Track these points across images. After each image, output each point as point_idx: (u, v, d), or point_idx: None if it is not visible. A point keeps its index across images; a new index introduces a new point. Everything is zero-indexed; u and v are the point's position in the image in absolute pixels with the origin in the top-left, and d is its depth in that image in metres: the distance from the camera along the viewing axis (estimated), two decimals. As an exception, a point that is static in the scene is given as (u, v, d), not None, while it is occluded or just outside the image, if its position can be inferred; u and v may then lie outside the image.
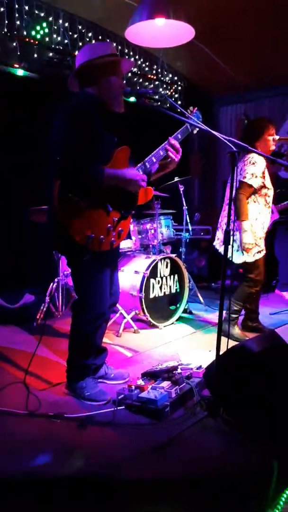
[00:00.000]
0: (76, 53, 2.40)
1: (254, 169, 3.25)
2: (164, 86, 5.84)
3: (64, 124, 2.16)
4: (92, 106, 2.28)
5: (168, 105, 5.85)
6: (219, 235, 3.60)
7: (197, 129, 2.50)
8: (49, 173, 2.20)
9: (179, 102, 6.02)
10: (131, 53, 5.18)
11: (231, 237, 2.18)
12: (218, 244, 3.60)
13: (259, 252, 3.41)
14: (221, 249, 3.56)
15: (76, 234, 2.19)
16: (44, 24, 4.28)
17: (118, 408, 2.29)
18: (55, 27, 4.39)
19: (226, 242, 2.17)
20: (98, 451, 1.96)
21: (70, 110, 2.20)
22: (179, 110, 2.41)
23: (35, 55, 4.31)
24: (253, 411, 2.04)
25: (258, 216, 3.37)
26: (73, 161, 2.12)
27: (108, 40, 4.81)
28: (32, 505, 1.63)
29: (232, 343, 2.27)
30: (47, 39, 4.33)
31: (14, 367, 2.88)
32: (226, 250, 2.18)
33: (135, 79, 5.38)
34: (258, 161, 3.27)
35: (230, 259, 3.45)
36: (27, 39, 4.18)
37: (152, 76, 5.58)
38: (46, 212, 2.43)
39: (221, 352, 2.17)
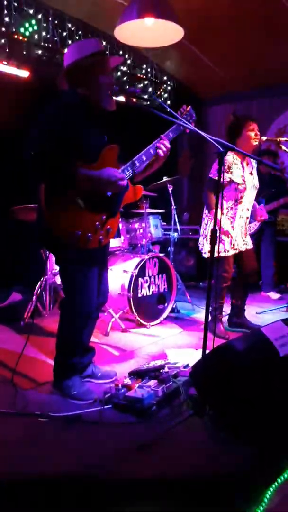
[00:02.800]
0: (65, 50, 2.39)
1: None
2: (153, 85, 5.84)
3: (41, 119, 2.17)
4: (79, 105, 2.28)
5: (157, 104, 5.85)
6: (202, 236, 3.68)
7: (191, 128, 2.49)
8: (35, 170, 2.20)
9: (168, 102, 6.04)
10: (121, 52, 5.17)
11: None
12: (202, 243, 3.66)
13: (230, 249, 3.47)
14: (204, 248, 3.62)
15: (63, 233, 2.20)
16: (33, 21, 4.25)
17: (105, 407, 2.29)
18: (44, 25, 4.37)
19: (212, 241, 2.18)
20: (83, 450, 1.96)
21: (52, 108, 2.21)
22: (168, 110, 2.41)
23: (24, 52, 4.28)
24: (239, 409, 2.06)
25: (226, 211, 3.46)
26: (41, 157, 2.11)
27: (97, 38, 4.79)
28: (15, 504, 1.62)
29: (218, 342, 2.28)
30: (36, 36, 4.31)
31: (1, 366, 2.87)
32: (213, 249, 2.19)
33: (124, 78, 5.38)
34: (225, 157, 3.32)
35: (205, 254, 3.58)
36: (15, 36, 4.15)
37: (141, 76, 5.58)
38: (34, 210, 2.42)
39: (207, 351, 2.18)
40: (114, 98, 2.39)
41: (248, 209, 3.57)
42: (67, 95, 2.36)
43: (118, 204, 2.43)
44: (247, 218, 3.60)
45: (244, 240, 3.57)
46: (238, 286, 3.75)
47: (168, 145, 2.45)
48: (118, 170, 2.33)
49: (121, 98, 2.46)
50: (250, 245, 3.60)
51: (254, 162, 3.61)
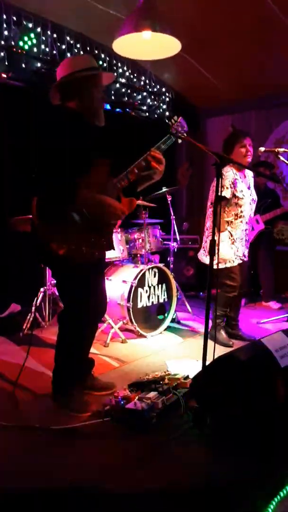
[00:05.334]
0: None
1: (223, 181, 3.39)
2: (152, 97, 5.89)
3: (40, 139, 2.21)
4: (70, 120, 2.29)
5: (156, 115, 5.90)
6: (204, 245, 3.70)
7: (182, 137, 2.49)
8: (32, 183, 2.23)
9: (167, 113, 6.07)
10: (119, 64, 5.21)
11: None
12: (203, 255, 3.66)
13: (235, 259, 3.53)
14: (205, 260, 3.62)
15: (58, 247, 2.21)
16: (32, 35, 4.30)
17: (104, 419, 2.27)
18: (43, 38, 4.41)
19: (211, 251, 2.18)
20: (83, 463, 1.94)
21: (46, 125, 2.25)
22: (159, 122, 2.41)
23: (23, 65, 4.32)
24: (240, 421, 2.04)
25: (227, 225, 3.51)
26: (49, 177, 2.16)
27: (96, 51, 4.84)
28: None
29: (219, 353, 2.27)
30: (35, 49, 4.35)
31: (0, 378, 2.84)
32: (211, 259, 2.19)
33: (123, 89, 5.42)
34: (225, 173, 3.41)
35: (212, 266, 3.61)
36: (14, 49, 4.19)
37: (140, 87, 5.63)
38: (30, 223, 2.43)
39: (208, 362, 2.17)
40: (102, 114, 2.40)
41: (247, 222, 3.60)
42: (60, 110, 2.38)
43: (114, 223, 2.44)
44: (247, 230, 3.62)
45: (243, 253, 3.61)
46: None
47: (160, 157, 2.38)
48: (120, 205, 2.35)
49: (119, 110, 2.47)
50: (246, 258, 3.65)
51: (250, 176, 3.65)
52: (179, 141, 2.49)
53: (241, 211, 3.49)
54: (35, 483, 1.78)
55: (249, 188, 3.58)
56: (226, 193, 3.39)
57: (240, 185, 3.46)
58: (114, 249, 2.55)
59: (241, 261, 3.58)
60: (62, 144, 2.16)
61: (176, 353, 3.48)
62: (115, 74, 4.65)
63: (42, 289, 3.89)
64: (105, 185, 2.35)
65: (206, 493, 1.74)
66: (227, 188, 3.39)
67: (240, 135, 3.53)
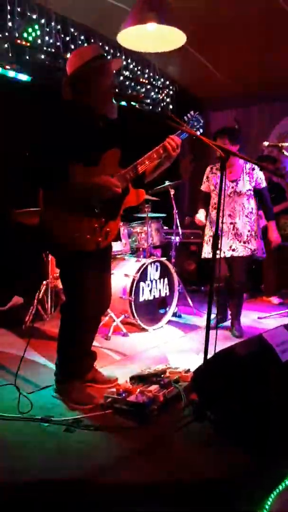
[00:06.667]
0: (68, 55, 2.41)
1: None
2: (156, 90, 5.86)
3: (43, 130, 2.24)
4: (81, 115, 2.30)
5: (159, 109, 5.87)
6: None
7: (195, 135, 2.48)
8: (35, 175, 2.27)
9: (171, 107, 6.05)
10: (123, 57, 5.18)
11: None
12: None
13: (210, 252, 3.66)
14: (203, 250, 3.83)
15: (62, 235, 2.25)
16: (36, 26, 4.27)
17: (106, 411, 2.28)
18: (47, 29, 4.38)
19: (214, 245, 2.19)
20: (84, 455, 1.95)
21: (55, 119, 2.28)
22: (171, 116, 2.40)
23: (27, 57, 4.30)
24: (240, 415, 2.05)
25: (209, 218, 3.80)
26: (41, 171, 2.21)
27: (100, 43, 4.81)
28: (16, 508, 1.62)
29: (220, 347, 2.27)
30: (39, 41, 4.33)
31: (3, 370, 2.86)
32: (214, 253, 2.19)
33: (127, 83, 5.39)
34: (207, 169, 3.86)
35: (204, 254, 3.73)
36: (19, 41, 4.17)
37: (144, 80, 5.60)
38: (35, 214, 2.46)
39: (209, 356, 2.18)
40: (116, 103, 2.40)
41: (230, 215, 3.64)
42: (70, 104, 2.38)
43: (118, 207, 2.44)
44: (233, 224, 3.65)
45: (231, 246, 3.61)
46: (228, 287, 3.79)
47: (179, 142, 2.40)
48: (113, 178, 2.33)
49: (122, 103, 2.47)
50: (239, 253, 3.64)
51: (246, 169, 3.64)
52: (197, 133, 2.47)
53: (215, 203, 3.62)
54: (35, 475, 1.79)
55: (232, 181, 3.66)
56: (203, 186, 3.92)
57: (213, 179, 3.79)
58: (120, 240, 2.57)
59: (223, 256, 3.60)
60: (68, 139, 2.17)
61: (177, 346, 3.49)
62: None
63: (44, 282, 3.90)
64: (113, 176, 2.35)
65: (205, 485, 1.75)
66: (203, 182, 3.91)
67: (216, 135, 3.65)
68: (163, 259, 4.15)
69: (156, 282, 4.03)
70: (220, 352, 2.23)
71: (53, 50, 4.43)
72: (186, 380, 2.55)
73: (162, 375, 2.56)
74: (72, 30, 4.59)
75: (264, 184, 3.72)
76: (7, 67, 4.17)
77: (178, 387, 2.47)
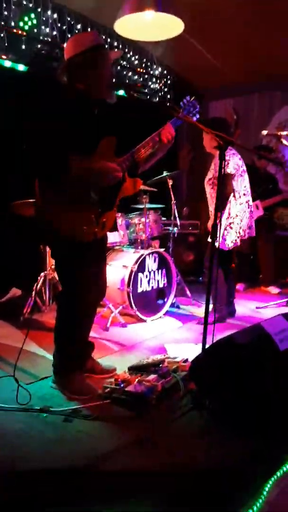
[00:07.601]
0: (65, 45, 2.37)
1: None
2: (154, 79, 5.81)
3: (39, 113, 2.20)
4: (76, 100, 2.27)
5: (157, 98, 5.83)
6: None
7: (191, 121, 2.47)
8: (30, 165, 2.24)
9: (168, 96, 6.01)
10: (120, 46, 5.13)
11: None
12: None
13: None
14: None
15: (60, 227, 2.23)
16: (33, 15, 4.22)
17: (104, 401, 2.29)
18: (44, 19, 4.33)
19: (213, 235, 2.18)
20: (83, 445, 1.96)
21: (50, 102, 2.24)
22: (167, 104, 2.39)
23: (23, 47, 4.25)
24: (238, 404, 2.06)
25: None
26: (37, 151, 2.16)
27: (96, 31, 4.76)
28: (15, 497, 1.63)
29: (218, 337, 2.28)
30: (35, 30, 4.28)
31: (1, 361, 2.87)
32: (213, 243, 2.19)
33: (124, 72, 5.35)
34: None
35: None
36: (15, 30, 4.12)
37: (141, 70, 5.55)
38: (33, 205, 2.44)
39: (207, 345, 2.18)
40: (114, 91, 2.38)
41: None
42: (65, 89, 2.35)
43: (114, 197, 2.43)
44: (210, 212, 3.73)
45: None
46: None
47: (173, 132, 2.41)
48: (113, 164, 2.32)
49: (122, 92, 2.44)
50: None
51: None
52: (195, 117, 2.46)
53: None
54: (35, 465, 1.80)
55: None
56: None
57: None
58: (117, 230, 2.55)
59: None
60: (64, 124, 2.15)
61: (175, 337, 3.50)
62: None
63: (42, 274, 3.90)
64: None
65: (204, 473, 1.76)
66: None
67: None
68: (161, 250, 4.15)
69: (154, 273, 4.03)
70: (218, 341, 2.24)
71: (49, 40, 4.39)
72: (184, 370, 2.56)
73: (161, 365, 2.57)
74: (69, 19, 4.54)
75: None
76: (3, 56, 4.12)
77: (176, 377, 2.48)
